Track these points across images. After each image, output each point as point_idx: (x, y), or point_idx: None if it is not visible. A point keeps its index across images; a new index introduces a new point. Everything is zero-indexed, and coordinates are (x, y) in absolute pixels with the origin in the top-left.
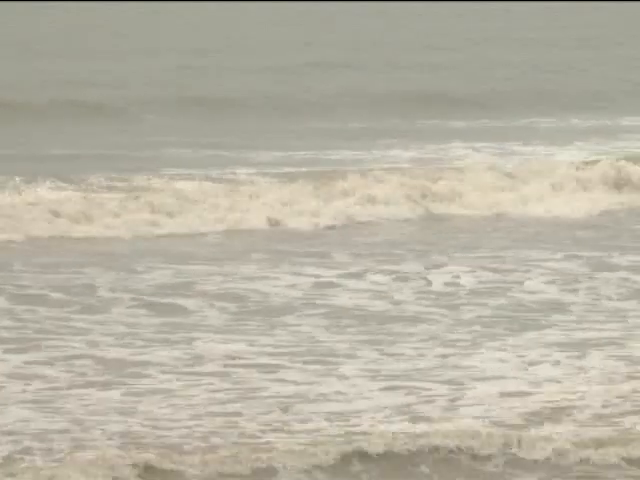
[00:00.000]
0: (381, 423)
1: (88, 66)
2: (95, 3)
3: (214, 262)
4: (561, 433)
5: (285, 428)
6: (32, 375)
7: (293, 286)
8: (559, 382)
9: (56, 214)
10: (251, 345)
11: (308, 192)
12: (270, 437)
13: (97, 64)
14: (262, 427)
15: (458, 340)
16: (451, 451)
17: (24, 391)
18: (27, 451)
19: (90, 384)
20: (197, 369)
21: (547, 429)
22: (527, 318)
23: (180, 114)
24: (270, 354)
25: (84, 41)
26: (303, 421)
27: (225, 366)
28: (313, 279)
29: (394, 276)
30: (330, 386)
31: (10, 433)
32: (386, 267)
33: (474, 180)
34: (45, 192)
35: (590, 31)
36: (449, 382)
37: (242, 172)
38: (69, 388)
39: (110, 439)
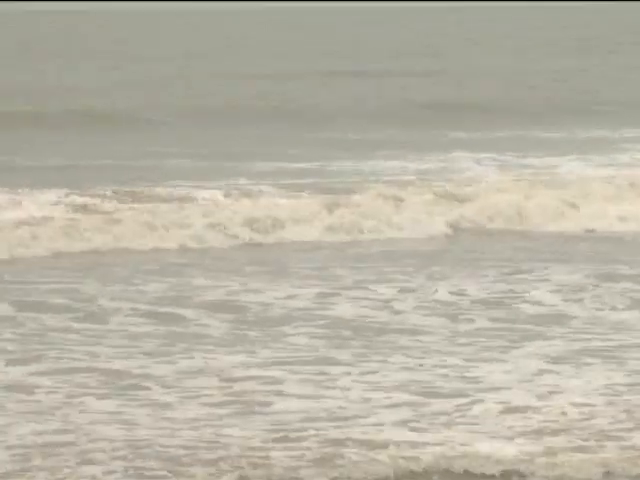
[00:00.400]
0: (381, 433)
1: (88, 72)
2: (95, 3)
3: (215, 274)
4: (565, 448)
5: (285, 441)
6: (33, 386)
7: (294, 297)
8: (563, 394)
9: (58, 225)
10: (251, 357)
11: (312, 205)
12: (270, 451)
13: (96, 69)
14: (263, 440)
15: (460, 352)
16: (453, 468)
17: (25, 402)
18: (29, 469)
19: (91, 396)
20: (197, 381)
21: (550, 443)
22: (530, 330)
23: (181, 119)
24: (270, 365)
25: (84, 47)
26: (303, 434)
27: (225, 379)
28: (317, 290)
29: (399, 288)
30: (331, 398)
31: (11, 447)
32: (392, 279)
33: (489, 193)
34: (46, 203)
35: (590, 31)
36: (451, 395)
37: (244, 183)
38: (69, 399)
39: (113, 451)
